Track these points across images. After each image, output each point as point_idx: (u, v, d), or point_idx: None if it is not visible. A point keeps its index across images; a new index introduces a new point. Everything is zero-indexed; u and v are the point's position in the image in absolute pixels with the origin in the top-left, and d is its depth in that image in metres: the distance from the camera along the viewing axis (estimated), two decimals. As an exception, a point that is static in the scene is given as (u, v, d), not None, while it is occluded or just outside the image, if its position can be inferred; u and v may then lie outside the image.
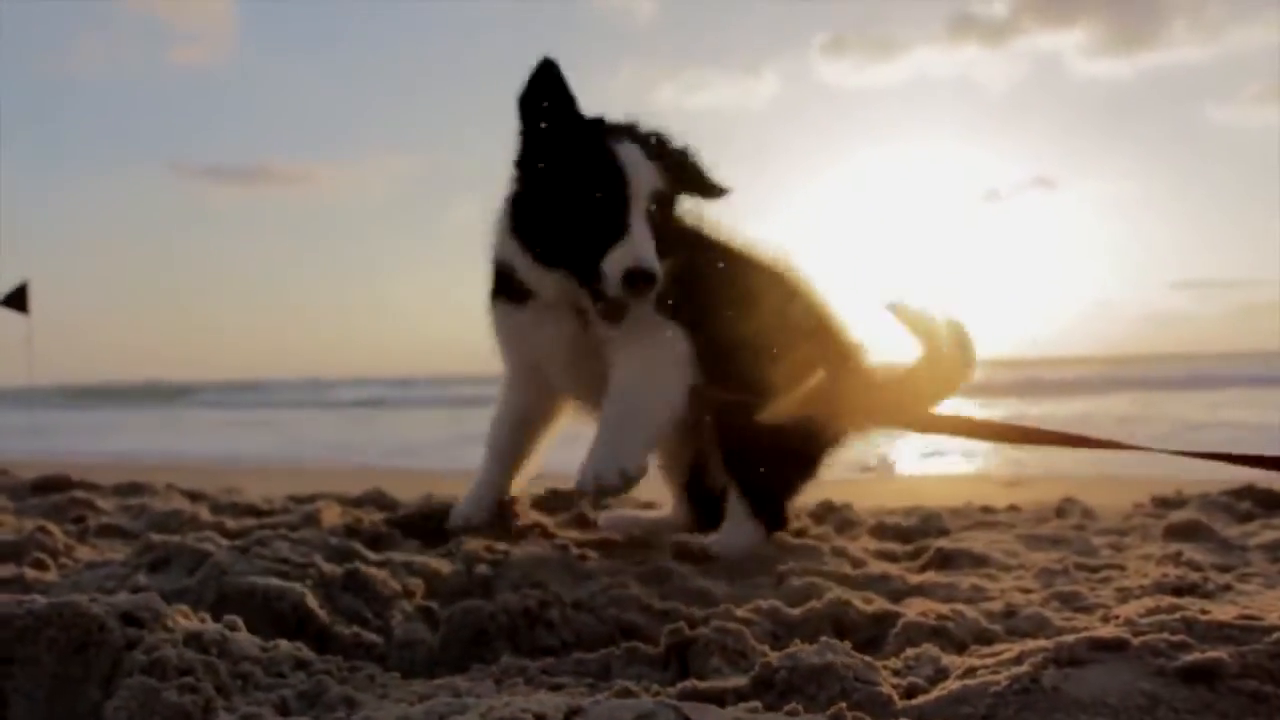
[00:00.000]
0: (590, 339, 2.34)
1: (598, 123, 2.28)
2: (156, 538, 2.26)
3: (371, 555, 2.26)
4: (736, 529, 2.47)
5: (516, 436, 2.70)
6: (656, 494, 3.38)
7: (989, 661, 1.41)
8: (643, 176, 2.19)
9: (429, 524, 2.73)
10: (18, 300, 12.68)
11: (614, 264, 2.13)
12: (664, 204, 2.25)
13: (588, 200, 2.18)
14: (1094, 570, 2.28)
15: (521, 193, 2.33)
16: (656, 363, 2.33)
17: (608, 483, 2.15)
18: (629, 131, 2.28)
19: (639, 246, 2.13)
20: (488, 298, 2.52)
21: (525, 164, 2.31)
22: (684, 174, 2.32)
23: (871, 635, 1.76)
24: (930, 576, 2.22)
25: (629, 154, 2.20)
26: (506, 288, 2.43)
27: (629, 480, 2.16)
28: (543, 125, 2.25)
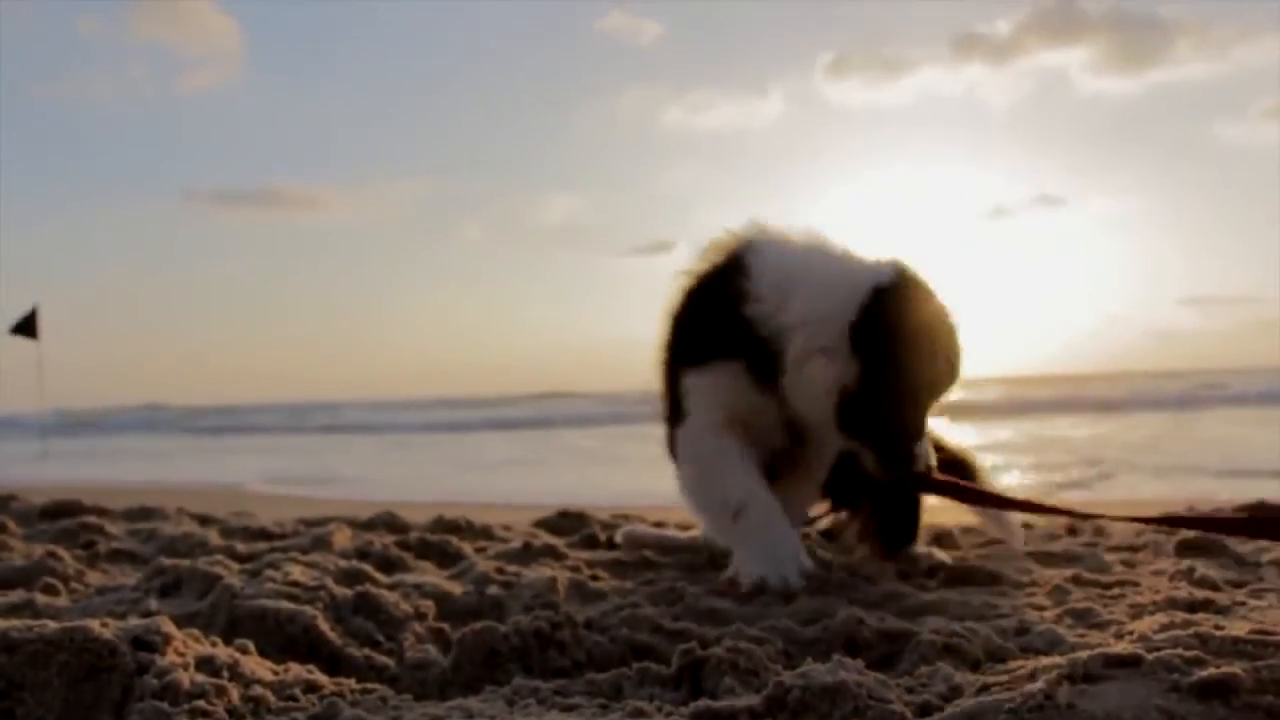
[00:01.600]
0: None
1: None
2: (167, 562, 2.27)
3: (382, 577, 2.26)
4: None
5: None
6: (663, 514, 3.38)
7: (1003, 678, 1.41)
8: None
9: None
10: (28, 327, 12.74)
11: (919, 450, 2.27)
12: None
13: (929, 395, 2.27)
14: (1107, 587, 2.27)
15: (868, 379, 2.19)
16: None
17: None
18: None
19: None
20: (716, 349, 2.32)
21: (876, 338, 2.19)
22: None
23: (884, 653, 1.75)
24: (943, 594, 2.21)
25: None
26: (760, 362, 2.26)
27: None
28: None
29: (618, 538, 2.95)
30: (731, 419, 2.31)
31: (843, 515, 2.86)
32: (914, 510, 2.74)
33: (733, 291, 2.26)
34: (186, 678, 1.41)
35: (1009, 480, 6.95)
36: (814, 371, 2.20)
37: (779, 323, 2.21)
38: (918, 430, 2.27)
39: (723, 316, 2.27)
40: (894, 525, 2.72)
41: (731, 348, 2.26)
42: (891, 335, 2.18)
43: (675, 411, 2.38)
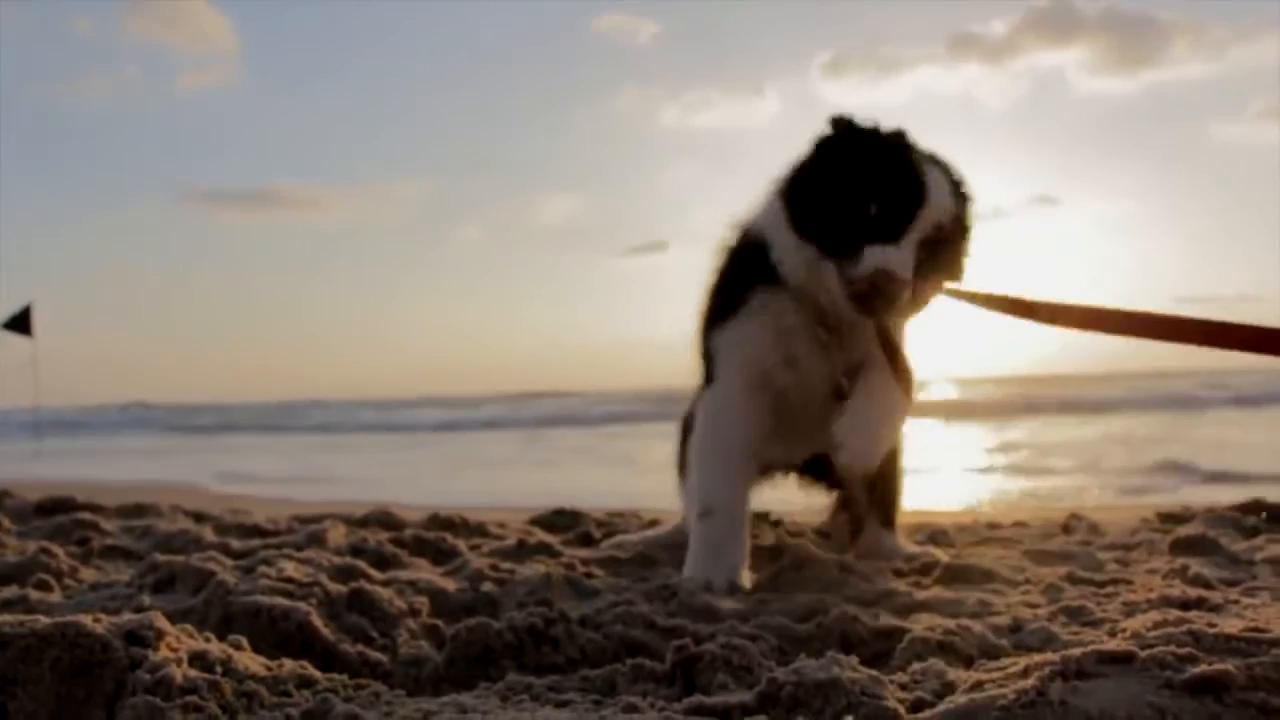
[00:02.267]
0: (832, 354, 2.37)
1: (905, 142, 2.29)
2: (161, 558, 2.26)
3: (377, 574, 2.26)
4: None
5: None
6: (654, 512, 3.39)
7: (996, 675, 1.40)
8: (936, 204, 2.22)
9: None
10: (21, 323, 12.71)
11: (872, 257, 2.15)
12: (936, 240, 2.25)
13: (877, 199, 2.19)
14: (1100, 585, 2.27)
15: (812, 179, 2.30)
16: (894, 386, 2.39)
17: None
18: (937, 162, 2.29)
19: (900, 256, 2.17)
20: (730, 285, 2.44)
21: (825, 158, 2.30)
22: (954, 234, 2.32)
23: (878, 650, 1.75)
24: (937, 592, 2.21)
25: (934, 178, 2.24)
26: (761, 270, 2.36)
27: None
28: (856, 132, 2.29)
29: (605, 544, 2.96)
30: (763, 376, 2.37)
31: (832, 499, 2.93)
32: (894, 487, 2.80)
33: (743, 242, 2.43)
34: (179, 673, 1.41)
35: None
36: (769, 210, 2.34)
37: (768, 241, 2.34)
38: (859, 227, 2.19)
39: (740, 265, 2.42)
40: (875, 502, 2.79)
41: (756, 283, 2.36)
42: (817, 153, 2.30)
43: (706, 375, 2.48)
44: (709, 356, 2.45)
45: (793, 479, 2.92)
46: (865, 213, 2.18)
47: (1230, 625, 1.53)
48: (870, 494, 2.80)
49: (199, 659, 1.48)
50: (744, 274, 2.40)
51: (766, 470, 2.74)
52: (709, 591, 2.15)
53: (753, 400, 2.38)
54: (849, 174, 2.23)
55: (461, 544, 2.85)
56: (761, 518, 3.20)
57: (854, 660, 1.43)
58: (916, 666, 1.53)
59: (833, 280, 2.23)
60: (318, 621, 1.81)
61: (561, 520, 3.47)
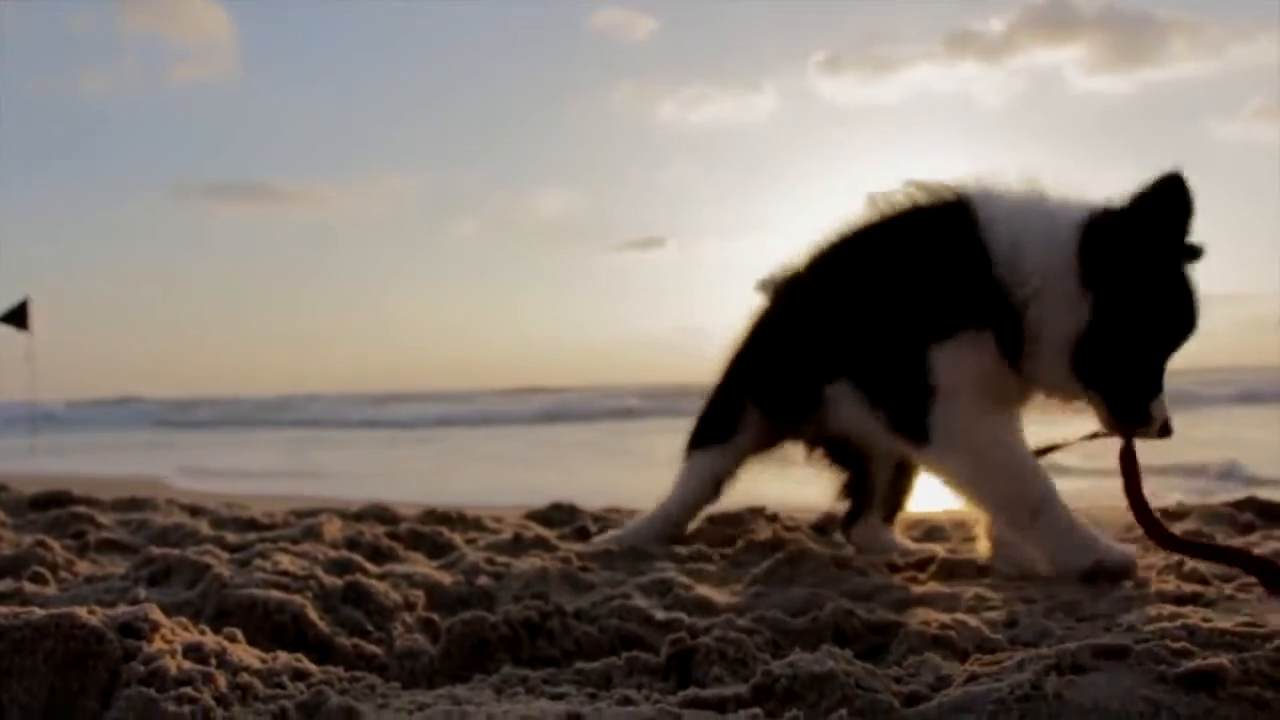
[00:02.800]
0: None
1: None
2: (156, 551, 2.26)
3: (372, 567, 2.26)
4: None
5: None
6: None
7: (991, 669, 1.41)
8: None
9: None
10: (18, 318, 12.69)
11: (1159, 413, 2.15)
12: None
13: (1167, 339, 2.12)
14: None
15: (1101, 299, 2.07)
16: None
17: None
18: None
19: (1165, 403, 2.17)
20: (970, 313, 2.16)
21: (1120, 270, 2.07)
22: None
23: (874, 644, 1.75)
24: (933, 586, 2.22)
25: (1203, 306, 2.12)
26: (1006, 332, 2.15)
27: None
28: (1160, 245, 2.06)
29: (596, 541, 2.96)
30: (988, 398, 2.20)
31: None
32: (909, 486, 2.82)
33: (971, 250, 2.15)
34: (174, 664, 1.40)
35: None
36: (1049, 322, 2.10)
37: (1017, 281, 2.11)
38: (1153, 379, 2.14)
39: (966, 279, 2.15)
40: (887, 495, 2.80)
41: (980, 316, 2.14)
42: (1124, 261, 2.06)
43: (913, 385, 2.21)
44: (916, 364, 2.20)
45: (814, 454, 2.82)
46: (1155, 369, 2.14)
47: (1225, 620, 1.53)
48: (889, 485, 2.79)
49: (194, 651, 1.48)
50: (961, 295, 2.17)
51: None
52: (1129, 566, 2.15)
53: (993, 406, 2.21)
54: (1149, 333, 2.10)
55: (457, 538, 2.85)
56: (757, 512, 3.20)
57: (849, 654, 1.43)
58: (912, 660, 1.53)
59: (1098, 407, 2.18)
60: (313, 614, 1.81)
61: (558, 515, 3.47)
